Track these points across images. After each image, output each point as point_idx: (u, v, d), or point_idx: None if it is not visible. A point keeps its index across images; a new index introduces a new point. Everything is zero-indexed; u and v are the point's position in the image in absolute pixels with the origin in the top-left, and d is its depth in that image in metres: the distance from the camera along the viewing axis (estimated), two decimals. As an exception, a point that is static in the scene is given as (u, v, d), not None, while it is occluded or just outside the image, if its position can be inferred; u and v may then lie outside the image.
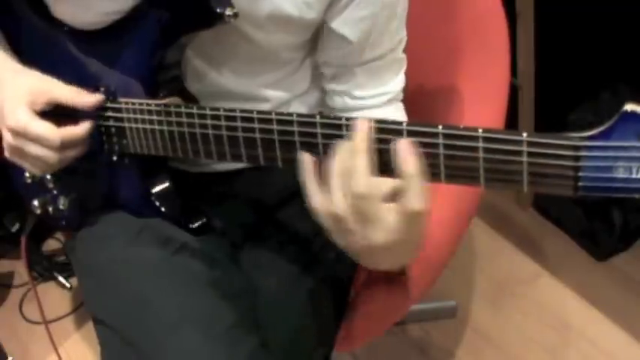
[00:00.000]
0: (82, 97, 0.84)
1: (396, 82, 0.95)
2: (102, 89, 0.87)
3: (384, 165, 0.65)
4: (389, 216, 0.64)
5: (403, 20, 0.91)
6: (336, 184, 0.64)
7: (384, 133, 0.64)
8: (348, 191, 0.63)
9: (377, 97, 0.94)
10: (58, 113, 0.84)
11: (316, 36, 0.92)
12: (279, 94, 0.95)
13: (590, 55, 1.69)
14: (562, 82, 1.76)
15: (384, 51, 0.91)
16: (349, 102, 0.95)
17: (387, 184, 0.65)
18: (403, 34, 0.93)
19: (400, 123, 0.63)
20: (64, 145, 0.83)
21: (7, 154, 0.86)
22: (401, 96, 0.97)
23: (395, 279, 0.95)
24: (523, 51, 1.66)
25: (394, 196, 0.64)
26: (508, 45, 1.08)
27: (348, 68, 0.92)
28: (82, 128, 0.85)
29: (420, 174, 0.61)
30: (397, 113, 0.96)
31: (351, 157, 0.64)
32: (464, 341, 1.63)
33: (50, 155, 0.83)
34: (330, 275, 1.00)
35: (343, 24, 0.86)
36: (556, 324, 1.63)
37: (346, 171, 0.64)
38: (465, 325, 1.66)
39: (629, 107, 0.51)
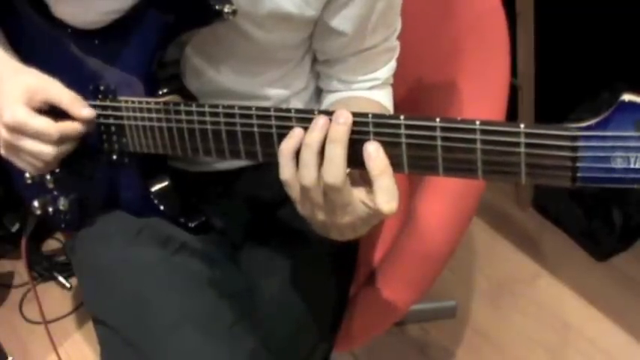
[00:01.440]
0: (77, 107, 0.84)
1: (387, 69, 0.96)
2: (100, 95, 0.87)
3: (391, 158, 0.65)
4: (357, 207, 0.66)
5: (398, 11, 0.91)
6: (310, 161, 0.65)
7: (382, 127, 0.64)
8: (320, 175, 0.65)
9: (365, 82, 0.95)
10: (54, 109, 0.84)
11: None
12: (278, 92, 0.95)
13: (590, 55, 1.70)
14: (562, 82, 1.76)
15: (378, 41, 0.91)
16: (337, 85, 0.96)
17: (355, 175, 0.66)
18: (398, 25, 0.93)
19: (398, 117, 0.63)
20: (62, 140, 0.83)
21: (2, 151, 0.86)
22: (391, 80, 0.98)
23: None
24: (523, 51, 1.66)
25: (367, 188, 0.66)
26: (508, 45, 1.07)
27: (341, 57, 0.93)
28: (80, 122, 0.85)
29: (385, 176, 0.63)
30: (384, 98, 0.96)
31: (330, 144, 0.64)
32: (464, 341, 1.63)
33: (47, 150, 0.83)
34: (330, 275, 1.00)
35: (342, 21, 0.86)
36: (555, 323, 1.63)
37: (325, 157, 0.64)
38: (465, 325, 1.66)
39: (627, 97, 0.51)
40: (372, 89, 0.95)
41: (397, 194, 0.63)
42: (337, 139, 0.64)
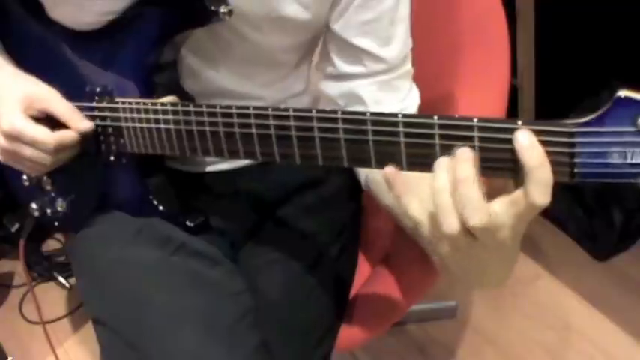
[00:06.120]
0: (77, 120, 0.85)
1: (413, 96, 0.93)
2: (97, 97, 0.87)
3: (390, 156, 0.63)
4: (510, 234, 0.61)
5: (408, 25, 0.88)
6: (447, 205, 0.58)
7: (380, 125, 0.64)
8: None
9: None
10: (51, 117, 0.84)
11: (313, 42, 0.92)
12: (273, 94, 0.95)
13: (589, 54, 1.70)
14: (561, 82, 1.76)
15: (395, 55, 0.88)
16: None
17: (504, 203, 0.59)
18: (410, 42, 0.90)
19: (396, 115, 0.62)
20: (59, 149, 0.83)
21: (0, 157, 0.86)
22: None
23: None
24: (523, 51, 1.66)
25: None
26: (508, 44, 1.07)
27: (364, 83, 0.89)
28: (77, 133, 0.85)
29: (544, 168, 0.55)
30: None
31: (464, 186, 0.57)
32: (464, 341, 1.63)
33: (45, 158, 0.84)
34: (331, 274, 1.00)
35: (346, 27, 0.86)
36: (556, 324, 1.63)
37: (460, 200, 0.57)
38: (465, 325, 1.66)
39: (623, 93, 0.52)
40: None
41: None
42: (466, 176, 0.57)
